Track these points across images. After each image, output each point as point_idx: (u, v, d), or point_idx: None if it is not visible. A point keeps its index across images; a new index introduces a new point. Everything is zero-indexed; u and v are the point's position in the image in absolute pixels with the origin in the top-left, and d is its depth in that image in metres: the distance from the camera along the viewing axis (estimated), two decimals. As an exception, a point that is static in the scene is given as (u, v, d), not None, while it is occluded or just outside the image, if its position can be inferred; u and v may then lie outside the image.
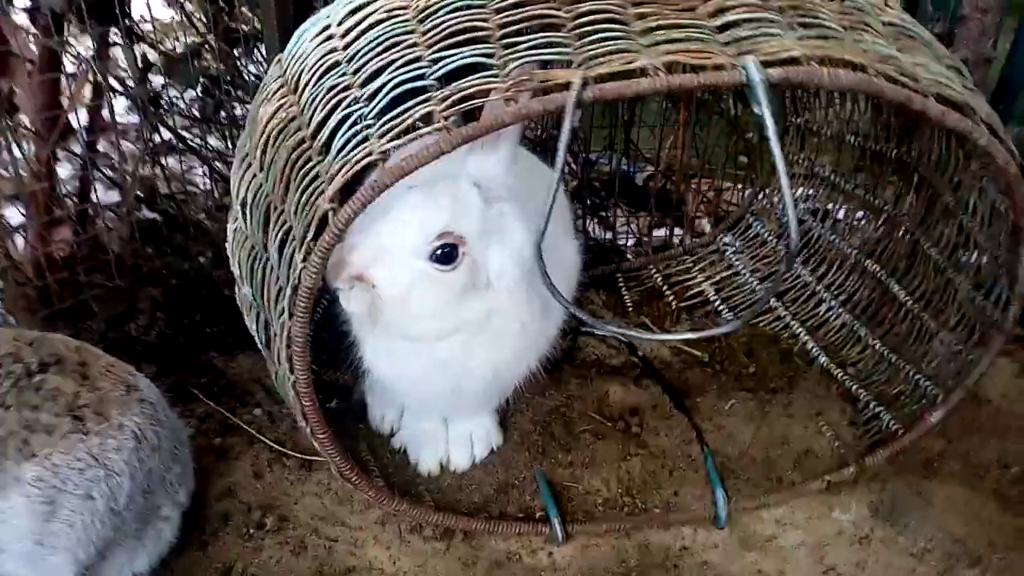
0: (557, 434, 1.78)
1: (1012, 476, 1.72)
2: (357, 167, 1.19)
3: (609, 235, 2.50)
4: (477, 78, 1.18)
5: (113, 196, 2.32)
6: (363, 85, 1.26)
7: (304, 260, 1.23)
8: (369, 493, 1.45)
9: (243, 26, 1.94)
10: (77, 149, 2.08)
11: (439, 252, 1.34)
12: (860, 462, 1.65)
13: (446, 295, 1.38)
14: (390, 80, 1.22)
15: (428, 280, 1.35)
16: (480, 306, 1.41)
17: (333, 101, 1.28)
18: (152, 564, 1.49)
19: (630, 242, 2.50)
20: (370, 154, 1.18)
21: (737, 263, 2.30)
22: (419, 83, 1.21)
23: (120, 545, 1.39)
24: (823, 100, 2.09)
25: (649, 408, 1.86)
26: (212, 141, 2.19)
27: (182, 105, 2.13)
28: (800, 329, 2.07)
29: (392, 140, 1.18)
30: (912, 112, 1.27)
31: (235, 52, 1.96)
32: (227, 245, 1.55)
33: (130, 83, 2.06)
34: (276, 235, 1.33)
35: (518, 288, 1.43)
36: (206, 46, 2.01)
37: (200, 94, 2.04)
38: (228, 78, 2.00)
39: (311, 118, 1.30)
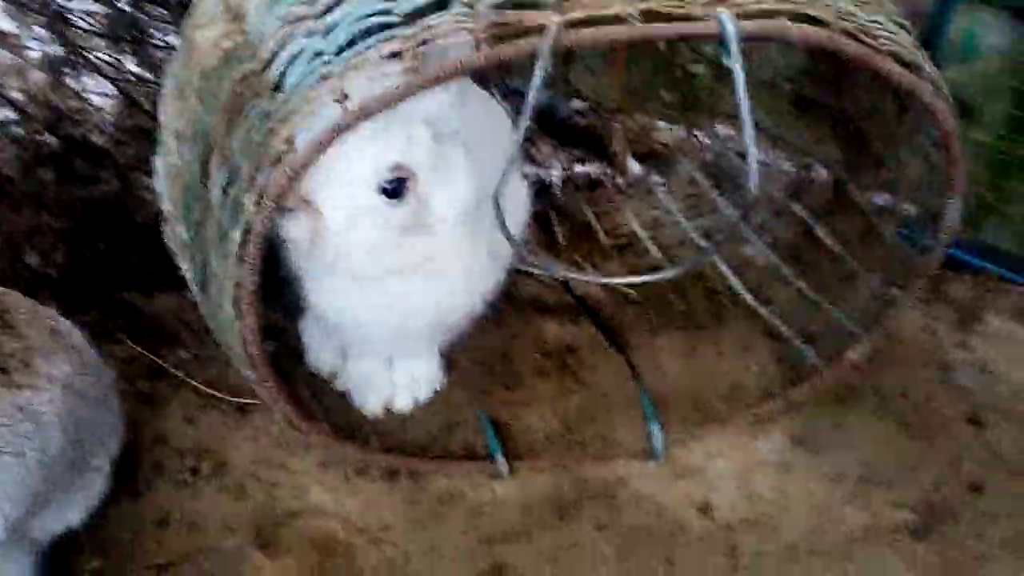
0: (498, 372, 1.80)
1: (912, 404, 1.86)
2: (318, 109, 1.12)
3: (536, 171, 2.48)
4: (448, 15, 1.12)
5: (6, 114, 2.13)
6: (319, 16, 1.18)
7: (257, 204, 1.16)
8: (315, 437, 1.43)
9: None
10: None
11: (388, 186, 1.29)
12: (785, 396, 1.75)
13: (391, 231, 1.33)
14: (351, 13, 1.14)
15: (374, 212, 1.30)
16: (421, 247, 1.38)
17: (285, 32, 1.19)
18: (85, 517, 1.42)
19: (555, 178, 2.49)
20: (332, 92, 1.11)
21: (666, 201, 2.34)
22: (383, 17, 1.13)
23: (51, 499, 1.32)
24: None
25: (585, 345, 1.90)
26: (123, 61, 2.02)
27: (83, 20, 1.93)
28: (726, 268, 2.13)
29: (357, 79, 1.11)
30: (861, 65, 1.30)
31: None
32: (156, 179, 1.44)
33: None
34: (220, 176, 1.24)
35: (461, 232, 1.41)
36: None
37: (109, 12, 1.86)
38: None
39: (259, 49, 1.21)
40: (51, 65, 1.87)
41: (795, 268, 2.02)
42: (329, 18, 1.16)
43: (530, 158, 2.54)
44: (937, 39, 2.14)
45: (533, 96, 1.15)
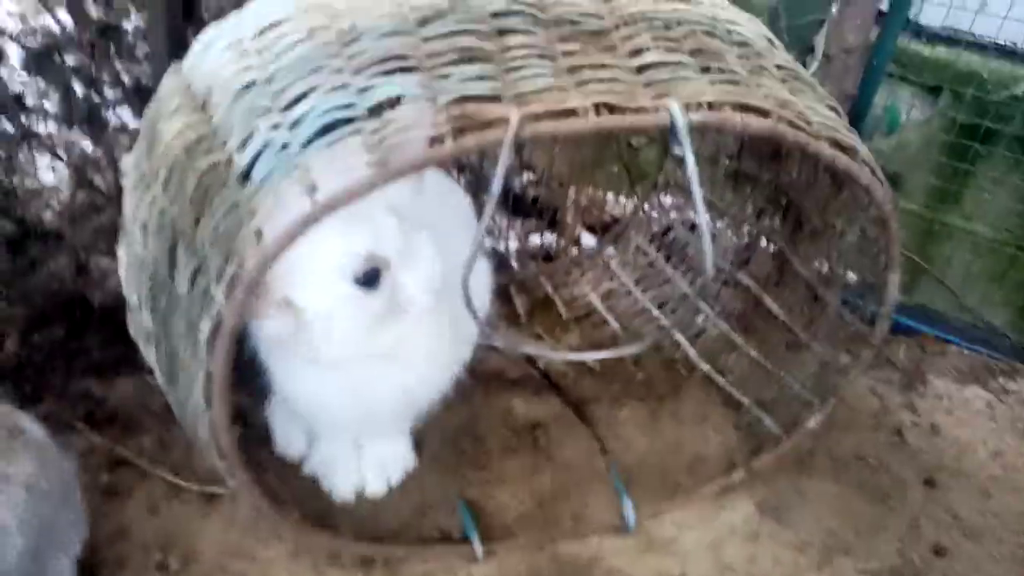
0: (467, 452, 1.81)
1: (868, 467, 1.93)
2: (287, 200, 1.15)
3: (491, 241, 2.54)
4: (410, 108, 1.17)
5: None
6: (285, 110, 1.22)
7: (227, 296, 1.18)
8: (285, 526, 1.41)
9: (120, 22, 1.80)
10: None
11: (364, 276, 1.32)
12: (747, 466, 1.80)
13: (368, 319, 1.35)
14: (316, 107, 1.19)
15: (352, 303, 1.32)
16: (394, 331, 1.41)
17: (251, 124, 1.22)
18: (43, 621, 1.36)
19: (510, 249, 2.54)
20: (300, 185, 1.15)
21: (621, 274, 2.41)
22: (346, 112, 1.18)
23: (9, 607, 1.27)
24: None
25: (552, 421, 1.93)
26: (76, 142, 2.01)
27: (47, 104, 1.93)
28: (682, 339, 2.20)
29: (324, 172, 1.15)
30: (800, 151, 1.40)
31: (110, 49, 1.81)
32: (119, 270, 1.44)
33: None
34: (188, 267, 1.25)
35: (428, 314, 1.44)
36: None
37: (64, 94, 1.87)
38: (101, 77, 1.85)
39: (227, 140, 1.24)
40: (4, 144, 1.85)
41: (746, 337, 2.10)
42: (295, 111, 1.19)
43: (488, 230, 2.60)
44: (862, 114, 2.30)
45: (497, 185, 1.20)
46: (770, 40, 1.58)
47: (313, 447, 1.68)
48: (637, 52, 1.34)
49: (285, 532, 1.50)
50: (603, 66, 1.28)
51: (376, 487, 1.66)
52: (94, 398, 1.81)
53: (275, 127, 1.21)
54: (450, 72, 1.23)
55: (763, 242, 2.11)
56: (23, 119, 2.07)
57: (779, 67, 1.51)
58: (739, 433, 1.94)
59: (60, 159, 2.01)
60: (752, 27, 1.55)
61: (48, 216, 2.17)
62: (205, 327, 1.21)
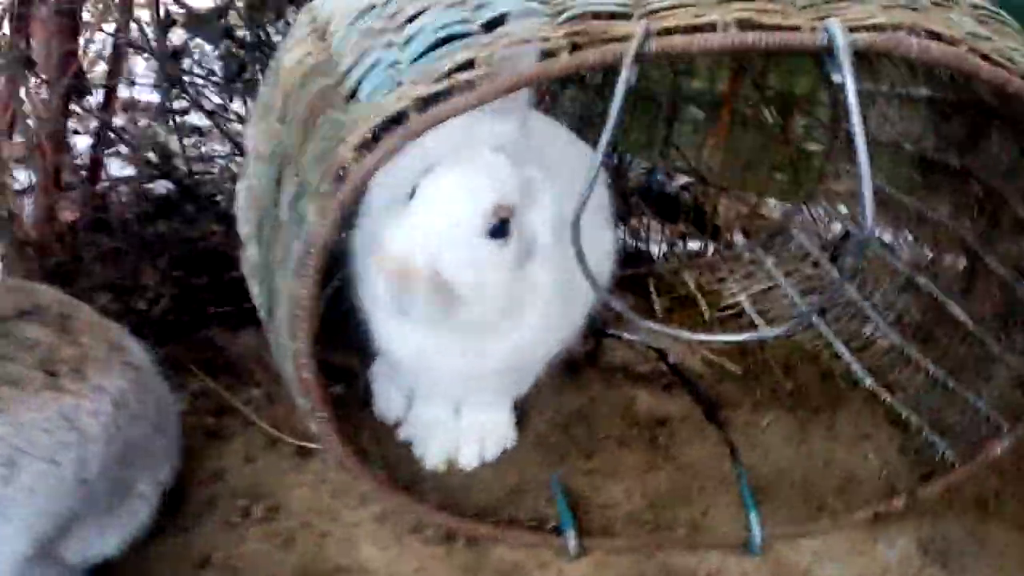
0: (577, 438, 1.63)
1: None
2: (387, 113, 1.07)
3: (640, 245, 2.37)
4: (527, 23, 1.06)
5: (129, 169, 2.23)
6: (399, 29, 1.14)
7: (318, 215, 1.11)
8: (367, 483, 1.31)
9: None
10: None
11: (495, 227, 1.24)
12: (912, 493, 1.49)
13: (507, 272, 1.27)
14: (429, 23, 1.10)
15: (494, 260, 1.25)
16: (524, 280, 1.31)
17: (365, 45, 1.16)
18: (124, 545, 1.34)
19: (661, 250, 2.36)
20: (400, 100, 1.06)
21: (776, 275, 2.16)
22: (461, 26, 1.08)
23: (88, 520, 1.25)
24: (879, 107, 1.95)
25: (678, 419, 1.71)
26: (236, 107, 2.09)
27: (202, 69, 2.02)
28: (844, 349, 1.92)
29: (428, 86, 1.06)
30: (997, 90, 1.13)
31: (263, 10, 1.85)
32: (236, 205, 1.43)
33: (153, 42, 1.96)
34: (289, 191, 1.20)
35: (548, 259, 1.32)
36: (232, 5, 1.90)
37: (223, 55, 1.94)
38: (255, 38, 1.89)
39: (339, 64, 1.19)
40: (163, 109, 1.94)
41: (924, 350, 1.78)
42: (408, 29, 1.12)
43: (633, 232, 2.43)
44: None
45: (617, 106, 1.05)
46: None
47: (411, 411, 1.58)
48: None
49: (369, 492, 1.40)
50: (754, -12, 1.10)
51: (470, 458, 1.53)
52: (216, 346, 1.83)
53: (388, 46, 1.14)
54: (577, -10, 1.11)
55: (951, 239, 1.79)
56: (188, 87, 2.18)
57: (975, 7, 1.25)
58: (905, 458, 1.63)
59: (212, 119, 2.08)
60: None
61: (207, 181, 2.27)
62: (297, 248, 1.15)
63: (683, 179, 2.62)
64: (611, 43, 1.03)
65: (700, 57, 2.32)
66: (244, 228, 1.40)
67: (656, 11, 1.06)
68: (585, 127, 2.00)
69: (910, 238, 1.94)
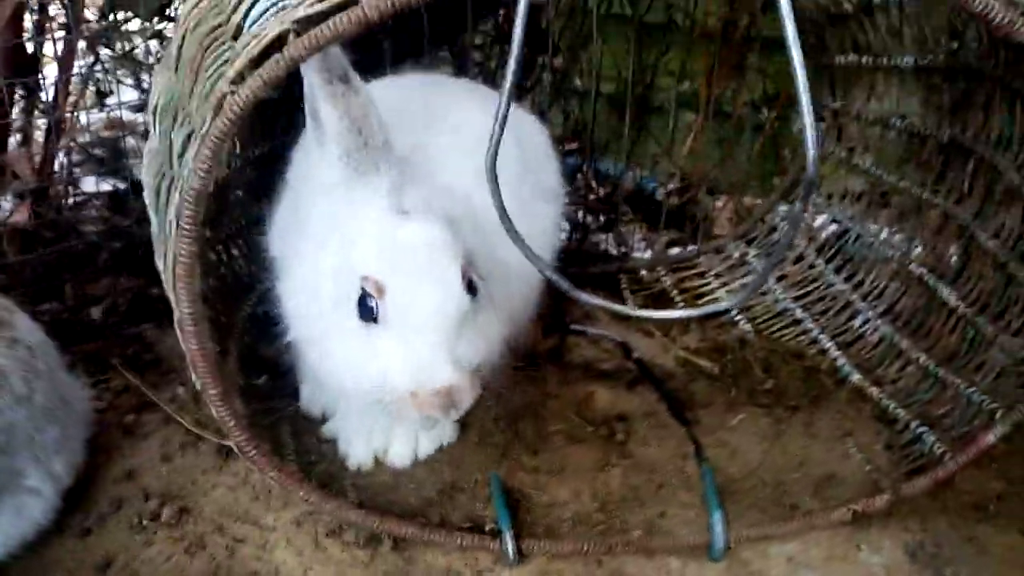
0: (524, 434, 1.48)
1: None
2: (266, 40, 0.96)
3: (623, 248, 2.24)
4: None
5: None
6: (288, -35, 1.04)
7: (196, 158, 0.99)
8: (270, 473, 1.17)
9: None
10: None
11: (467, 288, 1.11)
12: (896, 489, 1.31)
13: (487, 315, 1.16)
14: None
15: (481, 315, 1.14)
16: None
17: (254, -18, 1.06)
18: (9, 545, 1.22)
19: (646, 255, 2.23)
20: (282, 23, 0.95)
21: (757, 268, 2.01)
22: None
23: (-40, 512, 1.13)
24: (865, 80, 1.82)
25: (640, 416, 1.56)
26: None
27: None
28: (830, 344, 1.75)
29: (309, 7, 0.95)
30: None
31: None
32: (142, 170, 1.32)
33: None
34: (179, 140, 1.09)
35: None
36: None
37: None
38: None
39: (228, 4, 1.09)
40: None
41: (914, 340, 1.61)
42: (295, -35, 1.02)
43: (618, 237, 2.30)
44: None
45: (518, 34, 0.93)
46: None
47: (339, 405, 1.44)
48: None
49: (290, 495, 1.26)
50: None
51: (400, 456, 1.38)
52: (144, 342, 1.71)
53: (276, -19, 1.04)
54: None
55: (942, 219, 1.63)
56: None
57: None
58: (891, 454, 1.46)
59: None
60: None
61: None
62: (175, 198, 1.03)
63: (671, 185, 2.52)
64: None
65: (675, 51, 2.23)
66: (148, 196, 1.29)
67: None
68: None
69: (901, 225, 1.79)
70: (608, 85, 2.28)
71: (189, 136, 1.06)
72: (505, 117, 1.00)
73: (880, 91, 1.77)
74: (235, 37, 1.04)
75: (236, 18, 1.04)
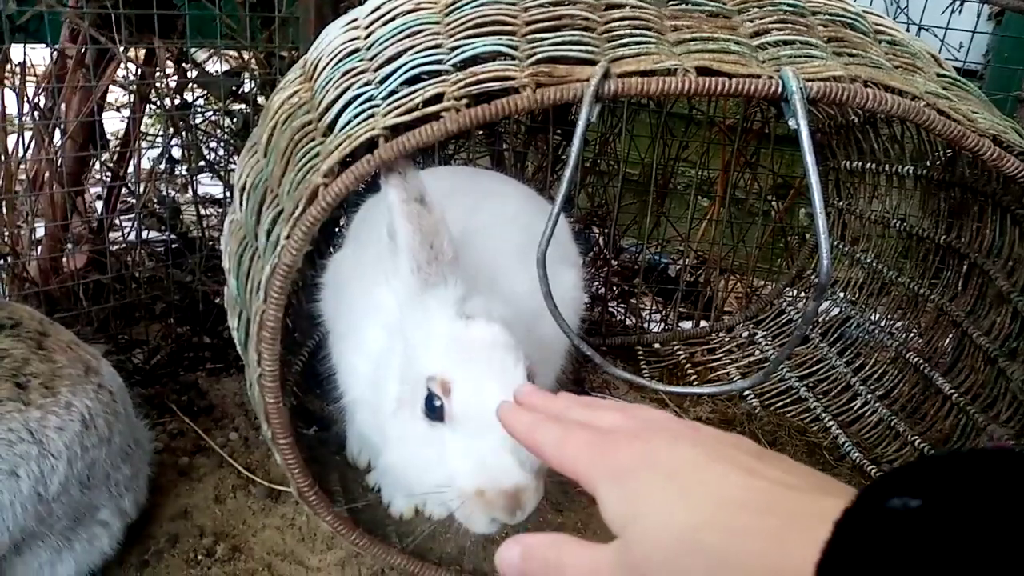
0: (549, 493, 1.59)
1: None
2: (357, 142, 1.12)
3: (637, 321, 2.38)
4: (495, 63, 1.12)
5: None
6: (377, 69, 1.21)
7: (288, 237, 1.14)
8: (326, 518, 1.29)
9: (282, 53, 1.95)
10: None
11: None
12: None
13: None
14: (406, 63, 1.17)
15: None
16: None
17: (345, 83, 1.22)
18: (81, 572, 1.32)
19: (657, 328, 2.37)
20: (372, 129, 1.11)
21: (767, 349, 2.15)
22: (435, 66, 1.15)
23: (43, 541, 1.24)
24: (868, 183, 1.99)
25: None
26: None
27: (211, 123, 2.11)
28: (832, 422, 1.89)
29: (397, 116, 1.11)
30: (954, 143, 1.16)
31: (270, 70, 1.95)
32: (222, 239, 1.47)
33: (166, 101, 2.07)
34: (267, 218, 1.24)
35: None
36: (247, 68, 2.01)
37: (228, 111, 2.03)
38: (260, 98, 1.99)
39: (321, 101, 1.25)
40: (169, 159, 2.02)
41: (910, 423, 1.75)
42: (385, 69, 1.18)
43: (632, 310, 2.45)
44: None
45: (578, 141, 1.09)
46: (934, 56, 1.38)
47: (382, 457, 1.56)
48: (760, 33, 1.21)
49: (335, 537, 1.38)
50: (715, 39, 1.17)
51: (439, 508, 1.50)
52: (198, 389, 1.84)
53: (365, 84, 1.20)
54: (546, 37, 1.17)
55: (937, 313, 1.78)
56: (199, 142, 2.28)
57: (942, 76, 1.30)
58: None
59: (218, 175, 2.16)
60: (915, 42, 1.37)
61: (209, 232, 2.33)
62: (267, 271, 1.18)
63: (684, 262, 2.67)
64: (572, 83, 1.08)
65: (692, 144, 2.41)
66: (226, 261, 1.44)
67: (620, 57, 1.12)
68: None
69: (899, 314, 1.94)
70: (632, 169, 2.46)
71: (278, 215, 1.22)
72: (558, 216, 1.15)
73: (882, 193, 1.94)
74: (324, 135, 1.20)
75: (328, 117, 1.20)
